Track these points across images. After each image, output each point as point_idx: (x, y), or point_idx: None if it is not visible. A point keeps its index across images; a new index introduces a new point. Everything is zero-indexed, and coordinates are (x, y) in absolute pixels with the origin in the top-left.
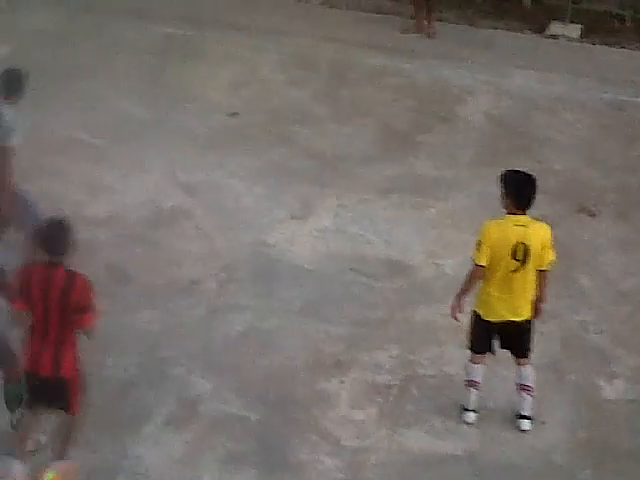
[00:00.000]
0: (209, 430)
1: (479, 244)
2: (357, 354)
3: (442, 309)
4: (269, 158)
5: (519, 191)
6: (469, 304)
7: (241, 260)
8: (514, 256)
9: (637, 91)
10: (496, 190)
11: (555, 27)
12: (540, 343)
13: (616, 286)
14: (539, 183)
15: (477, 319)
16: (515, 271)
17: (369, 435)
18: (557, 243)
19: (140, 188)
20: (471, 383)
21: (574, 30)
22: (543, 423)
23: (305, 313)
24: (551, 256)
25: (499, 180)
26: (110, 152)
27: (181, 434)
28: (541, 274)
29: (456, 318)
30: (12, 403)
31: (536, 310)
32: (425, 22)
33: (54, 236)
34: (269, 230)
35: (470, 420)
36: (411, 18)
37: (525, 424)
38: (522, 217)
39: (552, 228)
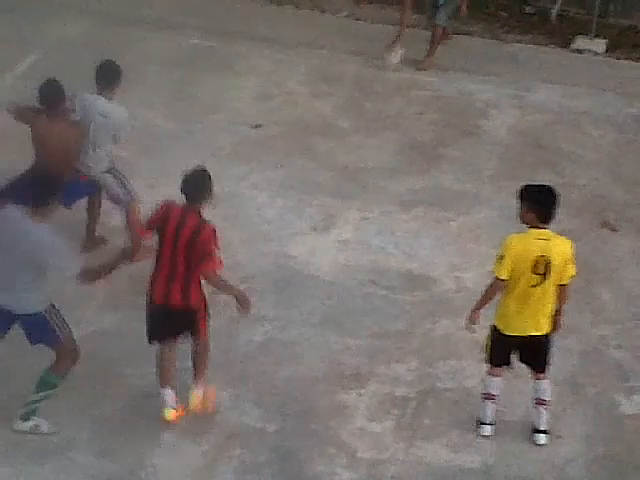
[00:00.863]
0: (226, 440)
1: (501, 257)
2: (376, 366)
3: (462, 323)
4: (292, 170)
5: (542, 205)
6: (486, 318)
7: (262, 271)
8: (535, 270)
9: None
10: (517, 204)
11: (580, 42)
12: (559, 357)
13: (637, 301)
14: (562, 197)
15: (496, 333)
16: (535, 285)
17: (387, 447)
18: (578, 257)
19: (164, 199)
20: (488, 396)
21: (599, 45)
22: (560, 437)
23: (325, 325)
24: (572, 271)
25: (519, 195)
26: (136, 163)
27: (199, 444)
28: (561, 288)
29: (470, 329)
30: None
31: (555, 324)
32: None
33: (195, 183)
34: (291, 242)
35: (487, 433)
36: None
37: (541, 438)
38: (544, 231)
39: (574, 242)
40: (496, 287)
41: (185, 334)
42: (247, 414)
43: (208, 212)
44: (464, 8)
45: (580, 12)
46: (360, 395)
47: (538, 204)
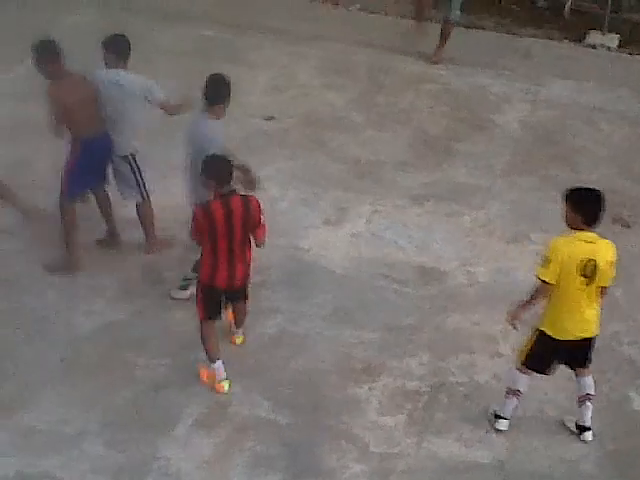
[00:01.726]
0: (238, 433)
1: (547, 261)
2: (388, 360)
3: (473, 317)
4: (304, 163)
5: (588, 208)
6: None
7: (274, 264)
8: (583, 273)
9: None
10: (530, 198)
11: (593, 37)
12: None
13: None
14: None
15: (544, 338)
16: (583, 288)
17: (398, 442)
18: None
19: (176, 190)
20: (516, 392)
21: (612, 40)
22: (572, 433)
23: (337, 318)
24: (613, 273)
25: (564, 197)
26: (148, 153)
27: (210, 436)
28: (602, 290)
29: (515, 327)
30: None
31: None
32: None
33: (222, 168)
34: (303, 235)
35: (503, 427)
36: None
37: (589, 436)
38: (591, 234)
39: None
40: (542, 290)
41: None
42: (259, 406)
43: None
44: None
45: (593, 7)
46: (372, 389)
47: (585, 207)
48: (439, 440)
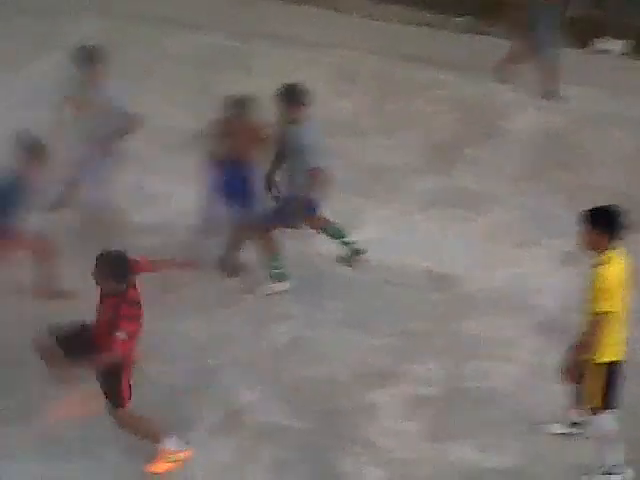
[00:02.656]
0: (254, 438)
1: (603, 292)
2: (402, 366)
3: (487, 322)
4: None
5: (614, 227)
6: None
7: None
8: (624, 289)
9: None
10: (538, 204)
11: (601, 43)
12: None
13: None
14: (583, 198)
15: (612, 367)
16: (625, 302)
17: (413, 447)
18: None
19: (186, 197)
20: (611, 436)
21: (619, 46)
22: (588, 439)
23: (350, 324)
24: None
25: (584, 219)
26: (157, 161)
27: (227, 442)
28: None
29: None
30: None
31: None
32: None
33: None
34: (314, 240)
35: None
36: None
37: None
38: (619, 250)
39: None
40: (604, 322)
41: None
42: (275, 413)
43: None
44: None
45: (600, 13)
46: (386, 394)
47: (611, 227)
48: (454, 446)
